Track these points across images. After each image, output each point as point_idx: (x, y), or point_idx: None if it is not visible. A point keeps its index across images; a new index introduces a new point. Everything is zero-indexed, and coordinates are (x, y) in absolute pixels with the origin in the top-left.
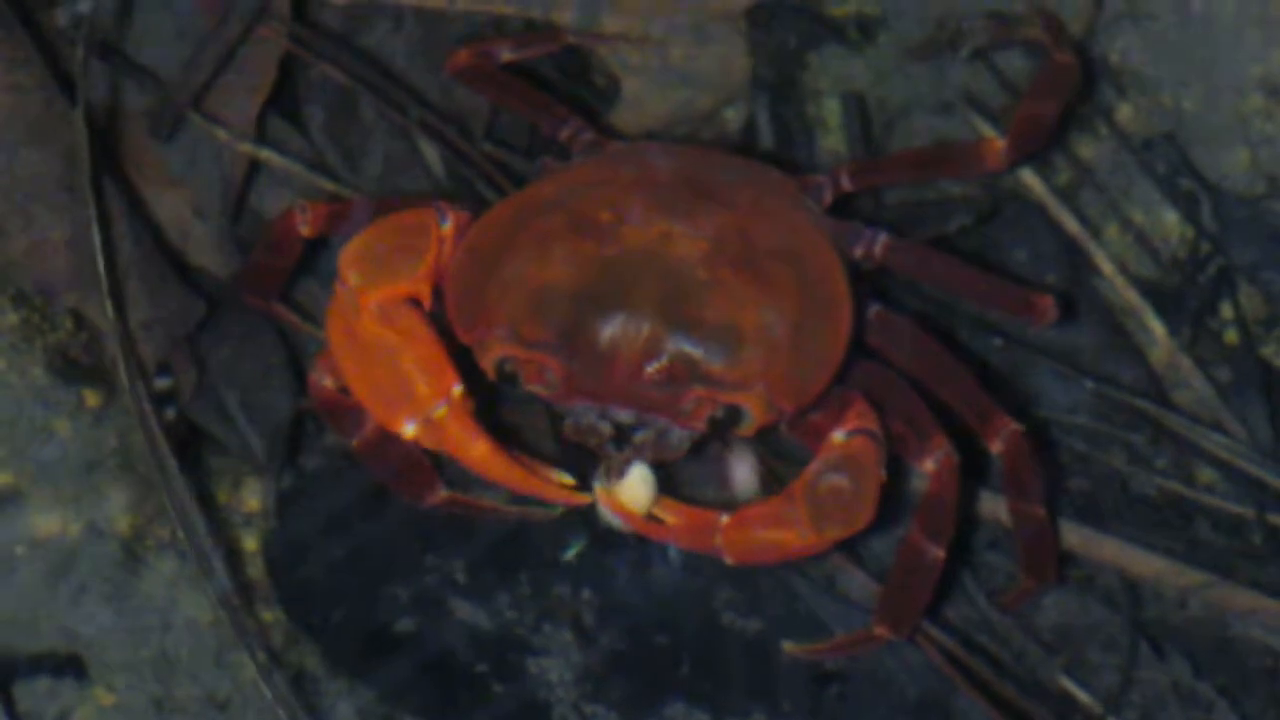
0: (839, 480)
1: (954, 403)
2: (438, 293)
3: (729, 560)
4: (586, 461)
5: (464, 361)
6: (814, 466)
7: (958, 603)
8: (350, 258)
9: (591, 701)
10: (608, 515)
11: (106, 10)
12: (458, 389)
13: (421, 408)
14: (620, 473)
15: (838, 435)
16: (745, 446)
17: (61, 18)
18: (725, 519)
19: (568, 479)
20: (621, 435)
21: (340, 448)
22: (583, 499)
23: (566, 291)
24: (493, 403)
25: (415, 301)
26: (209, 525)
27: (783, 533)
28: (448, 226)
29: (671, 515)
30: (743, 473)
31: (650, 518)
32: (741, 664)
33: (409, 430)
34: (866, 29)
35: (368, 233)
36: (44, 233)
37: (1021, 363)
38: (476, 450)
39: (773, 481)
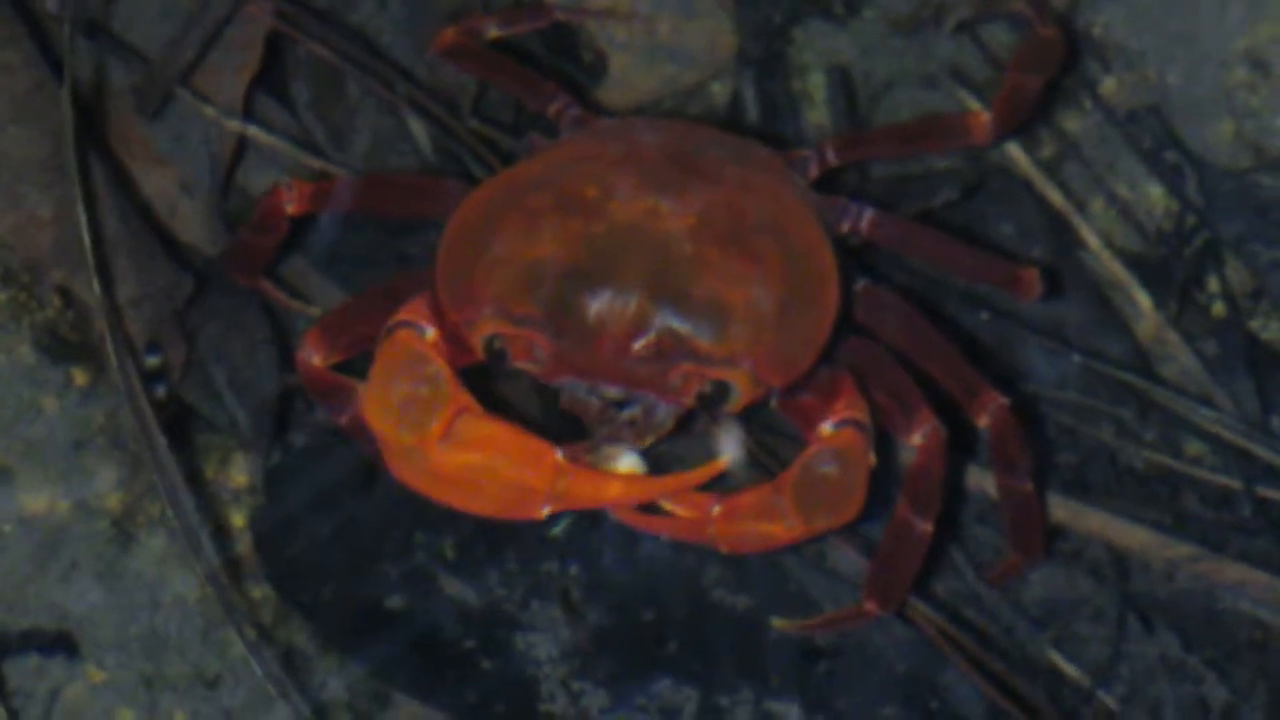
0: (828, 472)
1: (941, 377)
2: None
3: (723, 550)
4: (580, 434)
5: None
6: (802, 458)
7: (946, 577)
8: (381, 418)
9: (579, 678)
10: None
11: None
12: (559, 455)
13: (545, 495)
14: (609, 456)
15: (826, 427)
16: (732, 420)
17: (52, 4)
18: (717, 509)
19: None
20: (607, 412)
21: (328, 424)
22: (723, 465)
23: (554, 268)
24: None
25: (464, 410)
26: (197, 502)
27: (771, 525)
28: (431, 333)
29: (666, 506)
30: (730, 446)
31: (645, 509)
32: (730, 640)
33: (546, 513)
34: (852, 4)
35: (376, 388)
36: (31, 211)
37: (1008, 337)
38: (613, 490)
39: (760, 454)
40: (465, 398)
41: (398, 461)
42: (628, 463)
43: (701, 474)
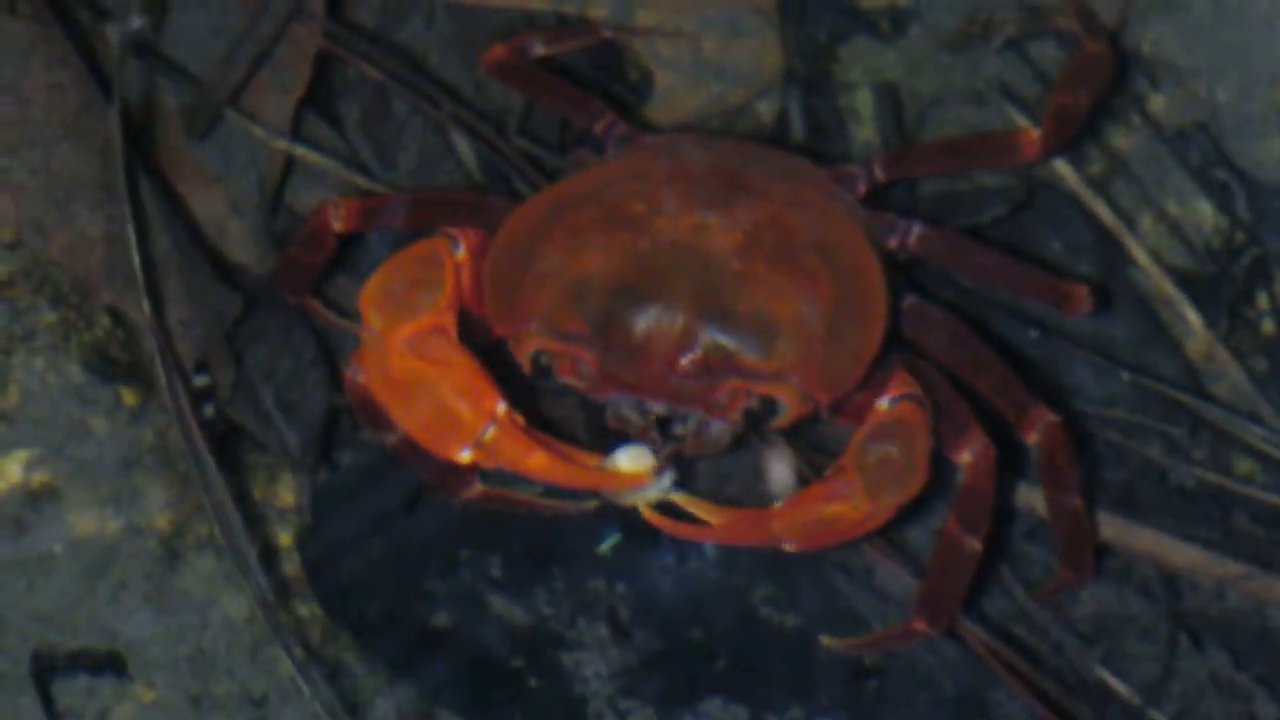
0: (889, 447)
1: (990, 394)
2: (464, 317)
3: (790, 546)
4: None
5: (497, 365)
6: (861, 437)
7: (995, 595)
8: (369, 300)
9: (627, 697)
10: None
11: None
12: (501, 407)
13: (471, 433)
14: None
15: (883, 403)
16: (781, 442)
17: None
18: (777, 506)
19: (632, 467)
20: (661, 429)
21: (376, 443)
22: (645, 479)
23: (601, 284)
24: (531, 396)
25: (442, 330)
26: (246, 522)
27: (838, 506)
28: (461, 252)
29: (716, 517)
30: (779, 470)
31: (694, 519)
32: (779, 659)
33: (465, 457)
34: (898, 20)
35: (382, 272)
36: (81, 230)
37: (1056, 354)
38: (535, 461)
39: (809, 474)
40: (449, 320)
41: (365, 350)
42: (628, 452)
43: (628, 478)
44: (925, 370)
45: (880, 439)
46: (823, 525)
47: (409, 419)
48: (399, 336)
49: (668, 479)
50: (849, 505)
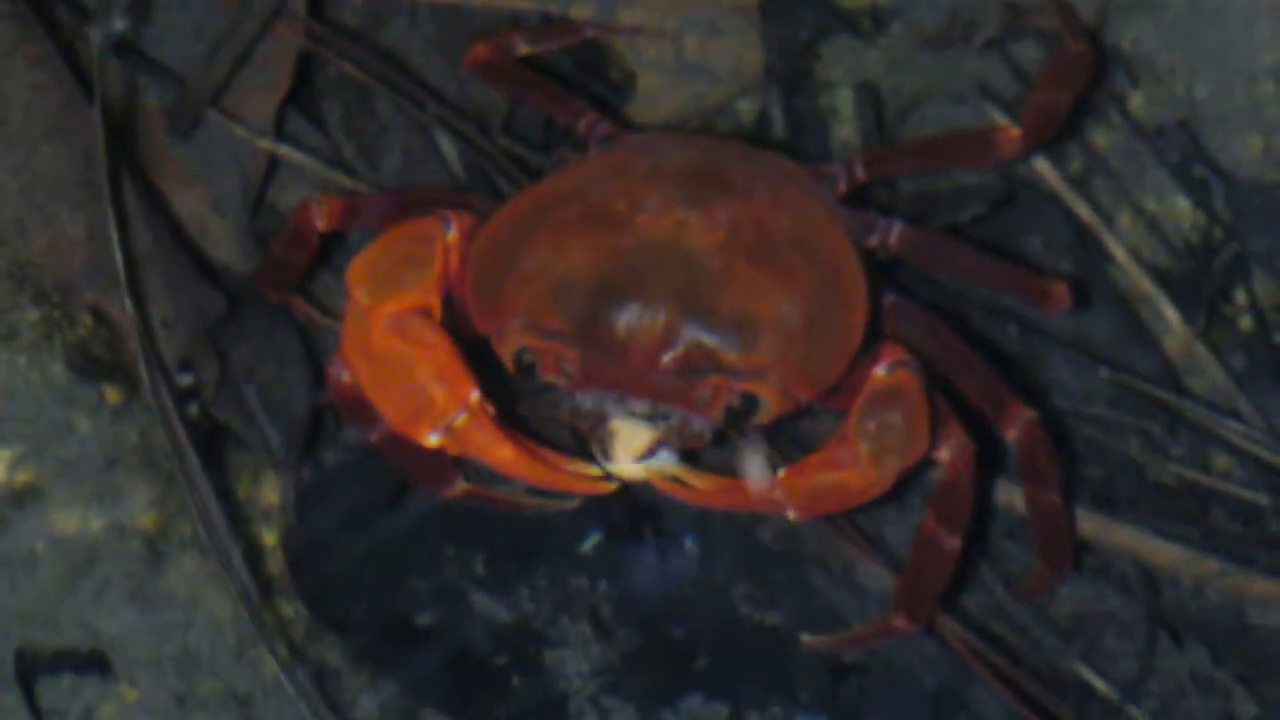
0: (889, 414)
1: (969, 391)
2: (449, 300)
3: (793, 514)
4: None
5: (479, 360)
6: (861, 404)
7: (974, 592)
8: (358, 273)
9: (609, 694)
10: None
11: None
12: (475, 395)
13: (442, 417)
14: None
15: (879, 370)
16: (758, 438)
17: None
18: (782, 472)
19: (593, 470)
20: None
21: (359, 441)
22: (607, 487)
23: (583, 282)
24: (509, 397)
25: (426, 311)
26: (229, 521)
27: (842, 473)
28: (453, 234)
29: (719, 485)
30: (756, 466)
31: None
32: (759, 657)
33: (432, 440)
34: (879, 19)
35: (373, 247)
36: (63, 230)
37: (1036, 351)
38: (501, 453)
39: None
40: (434, 301)
41: (348, 321)
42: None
43: (595, 484)
44: None
45: (881, 406)
46: (826, 492)
47: (382, 395)
48: (383, 312)
49: (667, 452)
50: (854, 473)
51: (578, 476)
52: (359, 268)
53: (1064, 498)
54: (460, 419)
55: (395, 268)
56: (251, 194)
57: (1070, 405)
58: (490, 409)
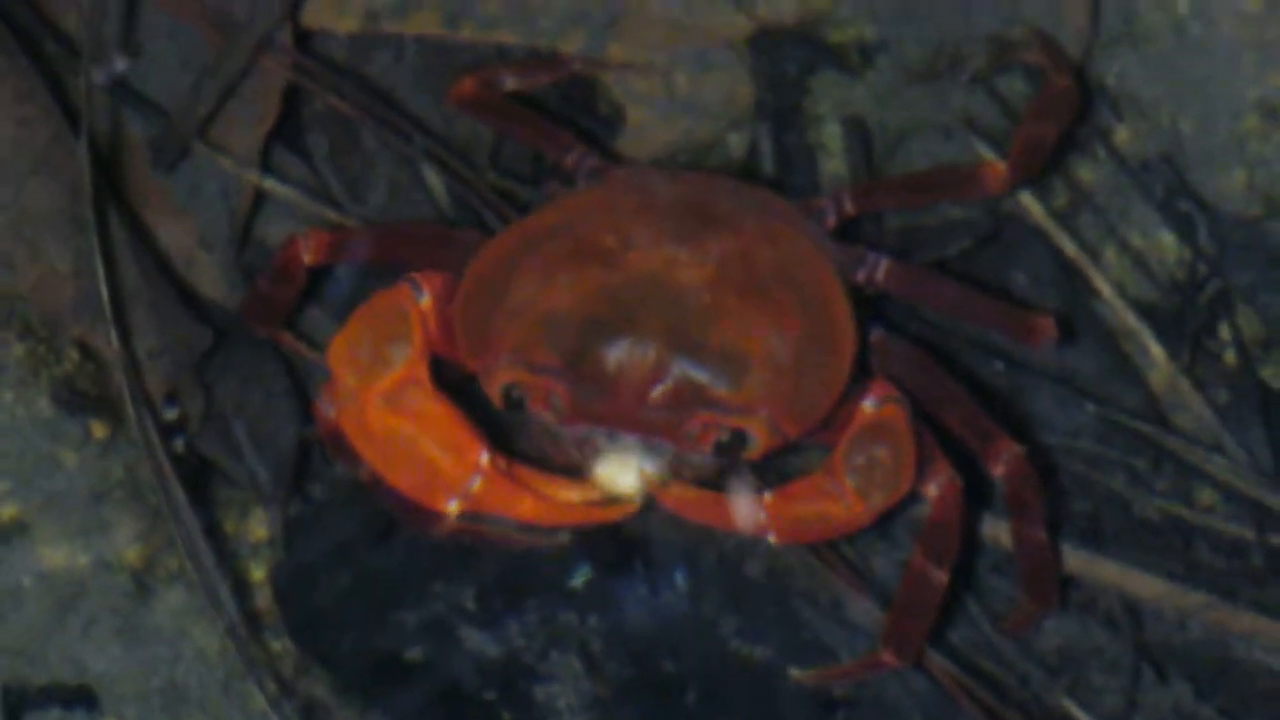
0: (876, 449)
1: (956, 426)
2: (436, 362)
3: (775, 539)
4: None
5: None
6: (849, 438)
7: (961, 627)
8: (339, 356)
9: None
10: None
11: (112, 42)
12: (485, 457)
13: (457, 486)
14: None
15: (867, 405)
16: (747, 474)
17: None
18: (769, 496)
19: (594, 494)
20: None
21: (347, 476)
22: (630, 508)
23: (572, 317)
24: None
25: (416, 381)
26: (217, 556)
27: (827, 505)
28: (425, 300)
29: (709, 501)
30: (742, 484)
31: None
32: (748, 691)
33: (452, 508)
34: (867, 54)
35: (350, 326)
36: (51, 264)
37: (1022, 386)
38: (524, 508)
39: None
40: (422, 371)
41: (342, 407)
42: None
43: (614, 511)
44: None
45: (869, 442)
46: (809, 521)
47: (393, 473)
48: (375, 391)
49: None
50: (839, 506)
51: (601, 509)
52: (340, 350)
53: (1050, 532)
54: (476, 484)
55: (376, 347)
56: (238, 227)
57: (1056, 440)
58: (502, 464)
